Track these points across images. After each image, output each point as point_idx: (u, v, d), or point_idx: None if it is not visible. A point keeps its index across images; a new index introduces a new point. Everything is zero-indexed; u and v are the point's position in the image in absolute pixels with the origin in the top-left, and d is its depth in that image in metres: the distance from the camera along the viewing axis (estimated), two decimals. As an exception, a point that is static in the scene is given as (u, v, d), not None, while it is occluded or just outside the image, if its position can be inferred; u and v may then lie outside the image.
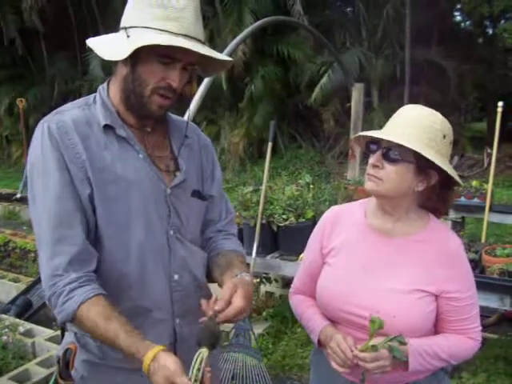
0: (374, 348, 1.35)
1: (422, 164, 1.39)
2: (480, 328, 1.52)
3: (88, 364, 1.38)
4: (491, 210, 4.29)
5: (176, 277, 1.41)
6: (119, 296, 1.33)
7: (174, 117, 1.53)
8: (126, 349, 1.18)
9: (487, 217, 4.17)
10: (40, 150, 1.28)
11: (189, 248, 1.45)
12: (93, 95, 1.41)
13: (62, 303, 1.23)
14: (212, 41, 11.84)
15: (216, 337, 1.22)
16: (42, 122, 1.32)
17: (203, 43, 1.31)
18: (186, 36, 1.24)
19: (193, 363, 1.17)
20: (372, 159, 1.44)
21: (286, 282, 4.55)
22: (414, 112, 1.44)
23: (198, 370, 1.16)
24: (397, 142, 1.36)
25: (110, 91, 1.38)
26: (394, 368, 1.39)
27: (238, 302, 1.25)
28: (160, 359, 1.15)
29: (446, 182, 1.45)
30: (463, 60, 12.21)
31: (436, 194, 1.48)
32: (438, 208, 1.54)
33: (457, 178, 1.41)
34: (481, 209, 4.34)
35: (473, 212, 4.73)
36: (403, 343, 1.37)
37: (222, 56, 1.35)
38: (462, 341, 1.49)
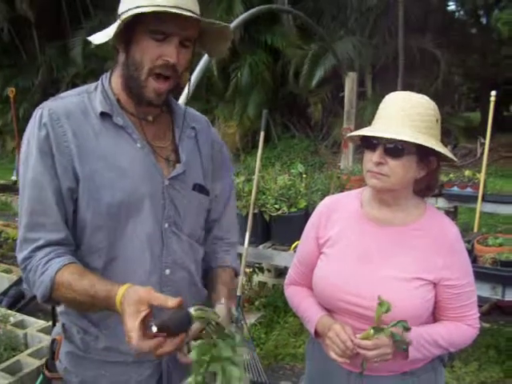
0: (378, 330, 1.32)
1: (423, 153, 1.39)
2: (478, 315, 1.52)
3: (71, 356, 1.36)
4: (484, 199, 4.30)
5: (167, 271, 1.35)
6: None
7: (183, 108, 1.48)
8: (100, 294, 1.13)
9: (480, 206, 4.18)
10: (29, 134, 1.27)
11: (185, 242, 1.39)
12: (95, 83, 1.37)
13: (40, 275, 1.20)
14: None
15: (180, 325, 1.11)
16: (38, 107, 1.30)
17: (197, 15, 1.23)
18: (174, 7, 1.18)
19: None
20: (374, 157, 1.41)
21: (279, 272, 4.55)
22: (406, 99, 1.41)
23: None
24: (403, 140, 1.34)
25: (112, 79, 1.35)
26: (394, 357, 1.38)
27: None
28: (134, 287, 1.11)
29: (439, 162, 1.47)
30: (457, 49, 12.21)
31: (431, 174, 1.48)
32: (431, 186, 1.54)
33: (455, 158, 1.43)
34: (473, 198, 4.35)
35: (465, 201, 4.73)
36: (407, 328, 1.34)
37: (213, 21, 1.26)
38: (461, 328, 1.48)
